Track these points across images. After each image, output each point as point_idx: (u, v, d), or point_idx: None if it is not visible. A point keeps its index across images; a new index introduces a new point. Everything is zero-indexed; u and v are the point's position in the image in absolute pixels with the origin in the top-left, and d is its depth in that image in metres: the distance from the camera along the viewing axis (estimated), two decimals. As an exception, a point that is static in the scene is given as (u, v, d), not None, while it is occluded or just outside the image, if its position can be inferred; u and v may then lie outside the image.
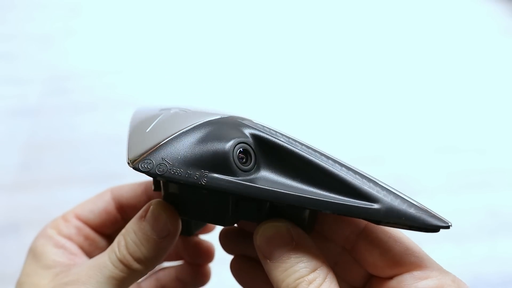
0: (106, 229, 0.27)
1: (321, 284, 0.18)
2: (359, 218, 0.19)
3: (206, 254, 0.30)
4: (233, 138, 0.20)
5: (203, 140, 0.20)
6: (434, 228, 0.18)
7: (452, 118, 0.91)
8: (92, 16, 1.27)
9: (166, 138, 0.21)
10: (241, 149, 0.20)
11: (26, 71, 1.03)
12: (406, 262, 0.20)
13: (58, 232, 0.25)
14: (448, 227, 0.18)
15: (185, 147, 0.20)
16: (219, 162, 0.19)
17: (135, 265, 0.22)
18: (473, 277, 0.60)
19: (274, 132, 0.21)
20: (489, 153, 0.82)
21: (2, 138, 0.84)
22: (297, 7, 1.33)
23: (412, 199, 0.19)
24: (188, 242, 0.30)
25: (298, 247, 0.19)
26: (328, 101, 0.96)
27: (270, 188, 0.19)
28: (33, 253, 0.24)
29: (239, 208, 0.21)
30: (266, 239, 0.20)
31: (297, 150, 0.20)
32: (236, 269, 0.26)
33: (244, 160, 0.20)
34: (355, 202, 0.19)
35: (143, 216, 0.22)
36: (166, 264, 0.32)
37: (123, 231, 0.23)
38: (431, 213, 0.18)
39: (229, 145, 0.20)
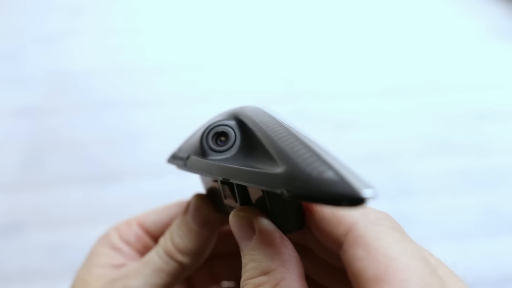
0: None
1: None
2: (261, 187, 0.15)
3: None
4: (212, 123, 0.20)
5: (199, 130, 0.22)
6: (341, 199, 0.11)
7: (451, 118, 0.91)
8: (94, 17, 1.27)
9: (192, 134, 0.23)
10: (219, 131, 0.20)
11: (27, 71, 1.03)
12: None
13: (119, 235, 0.25)
14: (362, 200, 0.11)
15: (193, 138, 0.22)
16: (196, 144, 0.20)
17: (179, 257, 0.22)
18: (472, 277, 0.61)
19: (263, 117, 0.19)
20: (489, 153, 0.82)
21: (4, 138, 0.84)
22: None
23: (344, 163, 0.13)
24: None
25: (259, 242, 0.17)
26: (328, 101, 0.96)
27: (205, 161, 0.19)
28: (92, 251, 0.25)
29: (224, 192, 0.21)
30: (233, 229, 0.18)
31: (260, 132, 0.17)
32: None
33: (222, 142, 0.20)
34: (260, 168, 0.14)
35: (186, 211, 0.23)
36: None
37: (170, 228, 0.24)
38: (349, 179, 0.12)
39: (204, 128, 0.20)
